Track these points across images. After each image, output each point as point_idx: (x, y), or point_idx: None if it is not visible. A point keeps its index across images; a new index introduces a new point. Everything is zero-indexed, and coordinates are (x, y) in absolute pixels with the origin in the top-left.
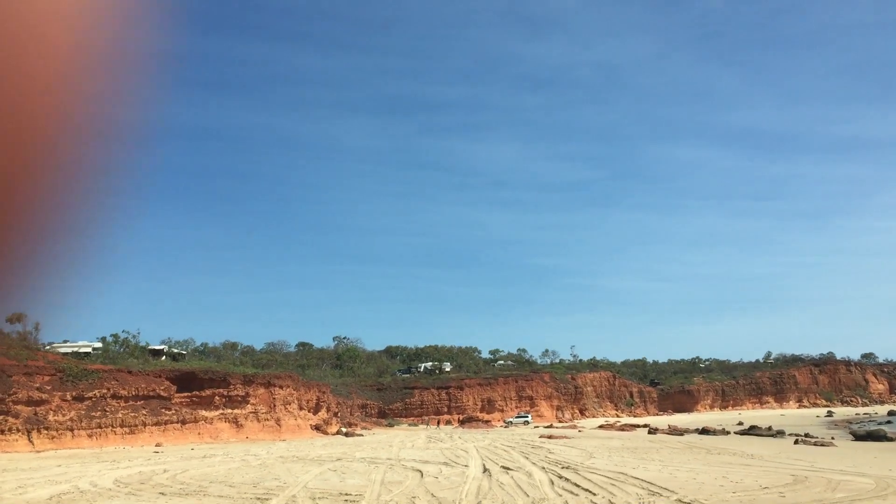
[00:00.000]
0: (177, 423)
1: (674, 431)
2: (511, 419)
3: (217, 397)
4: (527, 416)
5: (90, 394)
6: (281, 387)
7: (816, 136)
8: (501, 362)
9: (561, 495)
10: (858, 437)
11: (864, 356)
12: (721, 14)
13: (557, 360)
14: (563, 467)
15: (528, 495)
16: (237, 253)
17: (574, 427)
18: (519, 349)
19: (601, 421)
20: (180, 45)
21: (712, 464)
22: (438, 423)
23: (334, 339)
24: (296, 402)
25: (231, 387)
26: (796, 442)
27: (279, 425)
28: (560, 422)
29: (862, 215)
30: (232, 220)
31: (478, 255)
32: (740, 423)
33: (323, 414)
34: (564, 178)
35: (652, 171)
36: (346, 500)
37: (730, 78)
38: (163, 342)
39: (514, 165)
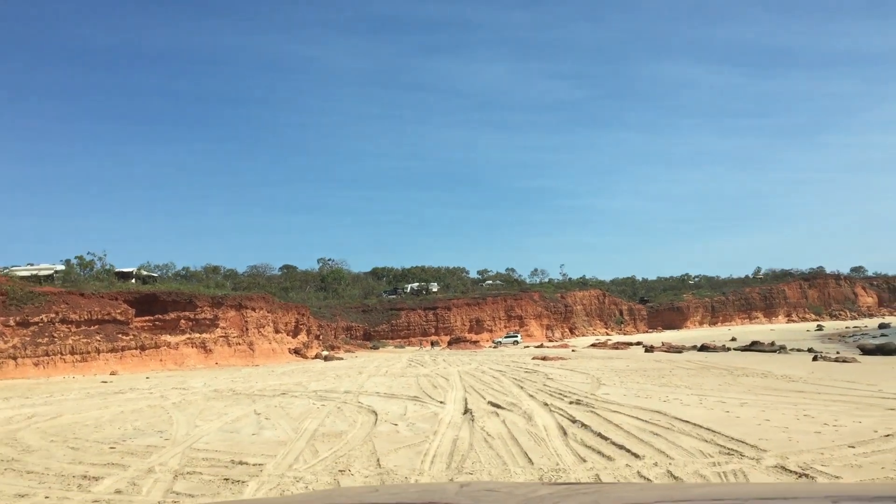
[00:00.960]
0: (135, 349)
1: (671, 349)
2: (500, 339)
3: (182, 321)
4: (516, 336)
5: (36, 318)
6: (253, 309)
7: (809, 51)
8: (490, 282)
9: (585, 460)
10: (867, 352)
11: (854, 270)
12: None
13: (547, 280)
14: (571, 402)
15: (531, 461)
16: (223, 178)
17: (566, 346)
18: (508, 269)
19: (592, 339)
20: None
21: (757, 391)
22: (432, 344)
23: (319, 261)
24: (271, 324)
25: (198, 309)
26: (815, 359)
27: (252, 350)
28: (550, 341)
29: (853, 131)
30: (216, 145)
31: (467, 176)
32: (733, 339)
33: (303, 337)
34: (555, 97)
35: (643, 89)
36: (227, 478)
37: None
38: (141, 267)
39: (503, 85)
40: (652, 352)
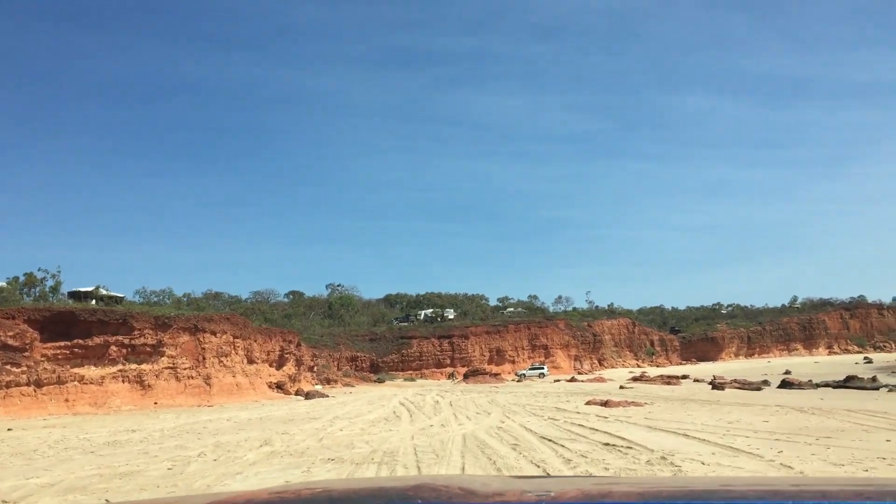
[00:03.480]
0: (27, 385)
1: (745, 385)
2: (524, 371)
3: (113, 347)
4: (542, 368)
5: None
6: (213, 333)
7: (828, 82)
8: (511, 310)
9: None
10: None
11: None
12: None
13: (571, 308)
14: None
15: None
16: (240, 210)
17: (601, 380)
18: (530, 296)
19: (624, 372)
20: None
21: None
22: (450, 376)
23: (328, 286)
24: (240, 353)
25: (136, 333)
26: None
27: (208, 385)
28: (579, 373)
29: (876, 161)
30: (235, 176)
31: (487, 208)
32: (787, 372)
33: (289, 369)
34: (574, 128)
35: (662, 120)
36: None
37: (740, 23)
38: (99, 286)
39: (523, 117)
40: (722, 389)
